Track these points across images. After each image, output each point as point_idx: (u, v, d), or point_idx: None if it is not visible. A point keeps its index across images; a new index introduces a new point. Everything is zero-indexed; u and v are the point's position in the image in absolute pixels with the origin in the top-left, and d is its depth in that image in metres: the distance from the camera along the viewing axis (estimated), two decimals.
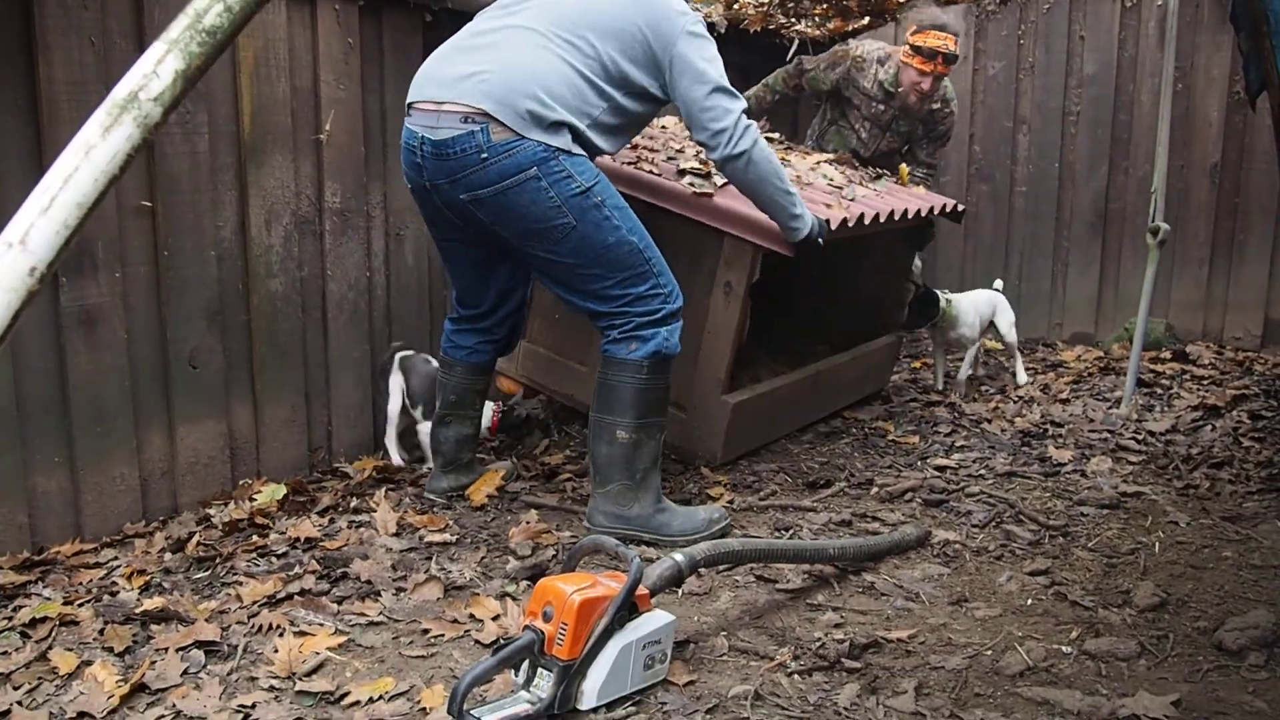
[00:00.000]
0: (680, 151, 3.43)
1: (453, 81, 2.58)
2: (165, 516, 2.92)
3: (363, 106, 3.41)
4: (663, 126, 3.80)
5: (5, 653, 2.13)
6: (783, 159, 3.77)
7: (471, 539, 2.73)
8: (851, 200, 3.40)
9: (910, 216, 3.62)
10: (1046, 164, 5.37)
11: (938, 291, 4.18)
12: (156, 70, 1.28)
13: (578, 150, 2.60)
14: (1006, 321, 4.41)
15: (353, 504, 2.99)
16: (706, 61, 2.68)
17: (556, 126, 2.55)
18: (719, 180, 3.11)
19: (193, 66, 1.29)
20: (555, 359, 3.39)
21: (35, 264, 1.20)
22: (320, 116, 3.28)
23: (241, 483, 3.13)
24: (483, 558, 2.61)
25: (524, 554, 2.61)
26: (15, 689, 2.00)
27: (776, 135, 4.26)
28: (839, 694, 1.98)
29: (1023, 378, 4.43)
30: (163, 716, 1.90)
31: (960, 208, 4.11)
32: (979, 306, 4.32)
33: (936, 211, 3.90)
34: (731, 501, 3.01)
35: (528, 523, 2.78)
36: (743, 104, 2.73)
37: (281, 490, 3.03)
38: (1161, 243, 3.86)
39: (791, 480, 3.23)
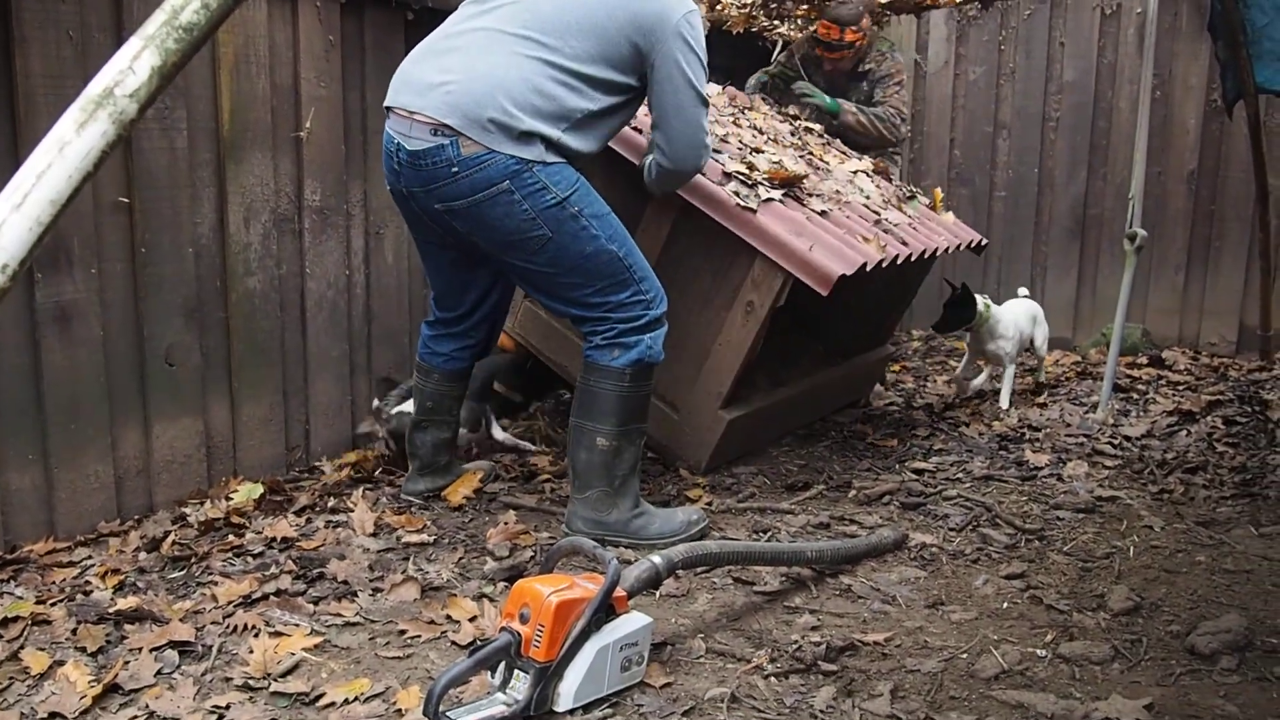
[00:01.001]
0: (725, 141, 3.37)
1: (423, 89, 2.54)
2: (140, 515, 2.90)
3: (343, 104, 3.40)
4: None
5: None
6: (820, 159, 3.77)
7: (449, 540, 2.72)
8: (887, 232, 3.38)
9: (940, 254, 3.62)
10: (1026, 169, 5.41)
11: (977, 295, 4.06)
12: (132, 66, 1.27)
13: (553, 159, 2.54)
14: (1043, 335, 4.37)
15: (330, 504, 2.98)
16: (693, 69, 2.62)
17: (526, 137, 2.48)
18: (764, 194, 3.06)
19: (169, 63, 1.28)
20: (554, 325, 3.35)
21: (7, 261, 1.19)
22: (300, 114, 3.26)
23: (218, 481, 3.11)
24: (460, 558, 2.60)
25: (501, 555, 2.60)
26: None
27: (817, 128, 4.26)
28: (815, 696, 1.98)
29: (1042, 376, 4.50)
30: (136, 717, 1.89)
31: (984, 242, 4.10)
32: (1019, 320, 4.18)
33: (964, 247, 3.89)
34: (710, 503, 3.02)
35: (506, 524, 2.77)
36: (706, 113, 2.73)
37: (258, 489, 3.01)
38: (1139, 249, 3.89)
39: (770, 482, 3.24)
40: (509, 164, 2.48)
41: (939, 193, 4.21)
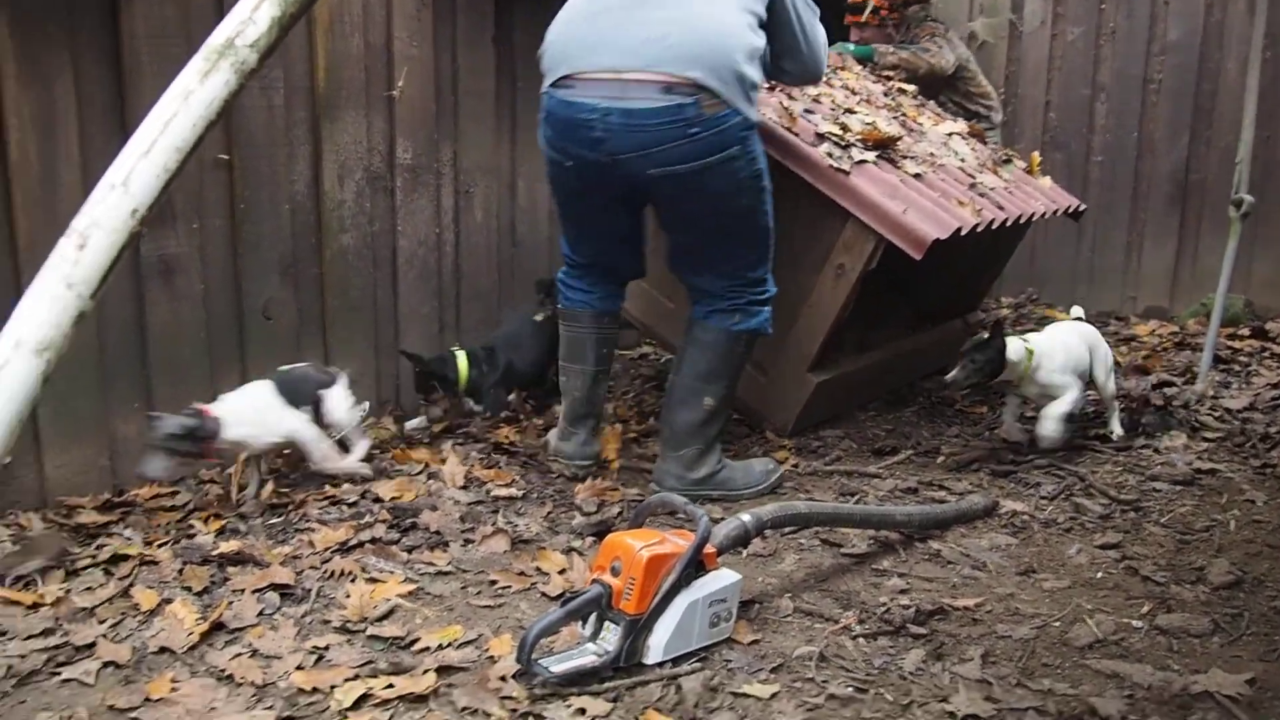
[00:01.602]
0: (817, 101, 3.34)
1: (631, 47, 2.42)
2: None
3: (434, 64, 3.42)
4: None
5: (90, 588, 2.21)
6: (915, 121, 3.71)
7: (538, 494, 2.76)
8: (982, 195, 3.31)
9: (1036, 219, 3.53)
10: (1124, 133, 5.23)
11: (1012, 338, 3.06)
12: (253, 16, 1.29)
13: (757, 119, 2.56)
14: (1104, 367, 3.29)
15: (422, 456, 3.02)
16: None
17: (752, 92, 2.47)
18: (857, 155, 3.02)
19: (287, 14, 1.31)
20: (659, 299, 3.34)
21: (136, 206, 1.23)
22: (393, 73, 3.29)
23: None
24: (549, 513, 2.64)
25: (590, 510, 2.62)
26: (100, 622, 2.07)
27: (910, 89, 4.20)
28: (904, 659, 1.97)
29: (1118, 429, 3.32)
30: (240, 654, 1.96)
31: (1083, 208, 3.98)
32: (1070, 347, 3.17)
33: (1061, 212, 3.79)
34: (796, 466, 3.00)
35: (593, 480, 2.80)
36: None
37: None
38: (1245, 215, 3.74)
39: (857, 446, 3.21)
40: (742, 127, 2.47)
41: (1036, 157, 4.10)
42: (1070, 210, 3.86)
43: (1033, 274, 5.30)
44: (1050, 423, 3.06)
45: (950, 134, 3.78)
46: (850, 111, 3.39)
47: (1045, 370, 3.05)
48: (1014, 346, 3.00)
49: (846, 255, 3.01)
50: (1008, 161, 3.88)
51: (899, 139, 3.29)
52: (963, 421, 3.49)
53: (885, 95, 3.92)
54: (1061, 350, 3.11)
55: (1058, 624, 2.12)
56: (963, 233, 2.95)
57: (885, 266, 3.07)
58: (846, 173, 2.94)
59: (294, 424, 2.72)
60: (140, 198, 1.24)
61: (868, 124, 3.26)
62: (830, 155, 2.97)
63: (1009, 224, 3.29)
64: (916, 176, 3.15)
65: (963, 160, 3.55)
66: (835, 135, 3.07)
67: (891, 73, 4.40)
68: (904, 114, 3.76)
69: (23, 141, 2.55)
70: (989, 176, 3.53)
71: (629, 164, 2.48)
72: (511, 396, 3.39)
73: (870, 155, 3.07)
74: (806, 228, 3.05)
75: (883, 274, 3.17)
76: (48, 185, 2.59)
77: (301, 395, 2.77)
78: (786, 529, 2.48)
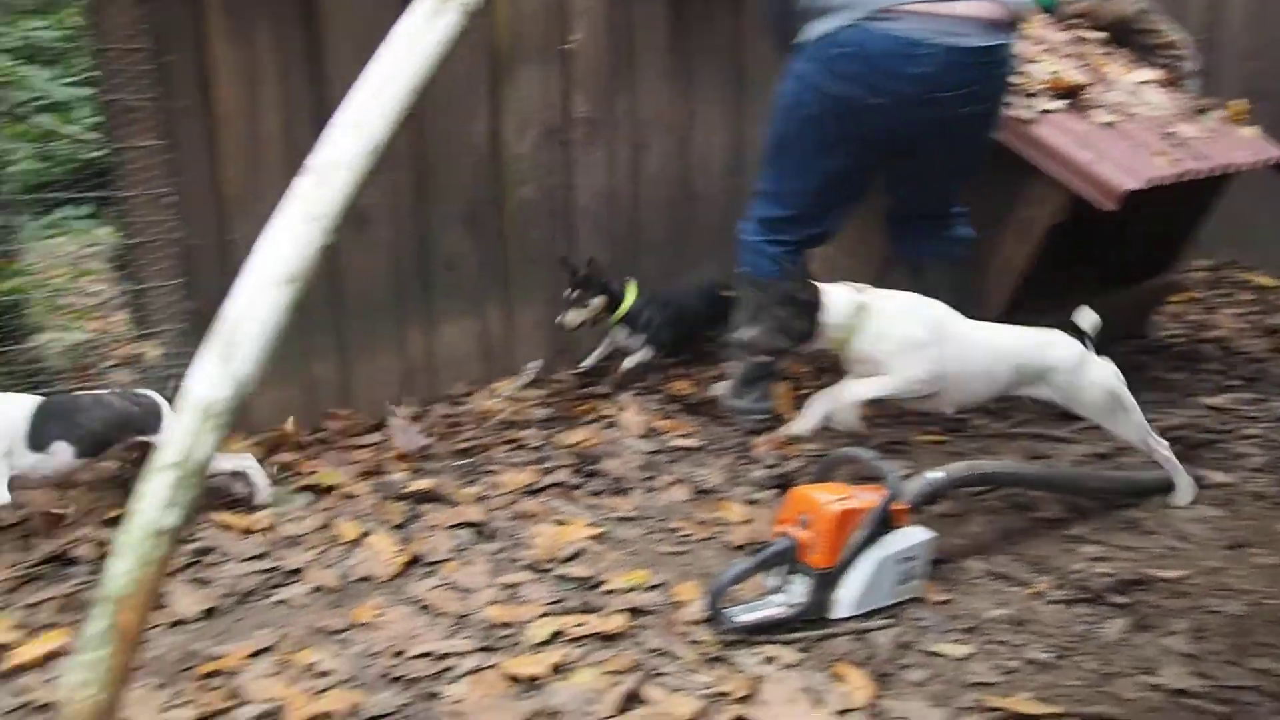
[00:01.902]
0: None
1: None
2: (425, 406, 3.09)
3: (609, 17, 3.41)
4: None
5: (295, 518, 2.33)
6: (1102, 69, 3.52)
7: (716, 446, 2.76)
8: (1179, 145, 3.13)
9: (1238, 171, 3.31)
10: None
11: (838, 288, 2.29)
12: None
13: None
14: (1062, 382, 2.42)
15: (600, 407, 3.06)
16: None
17: None
18: (1042, 105, 2.90)
19: None
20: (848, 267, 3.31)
21: (371, 144, 1.27)
22: (568, 26, 3.31)
23: (495, 379, 3.25)
24: (728, 464, 2.63)
25: (770, 464, 2.61)
26: (307, 550, 2.19)
27: (1097, 36, 3.99)
28: (1105, 628, 1.89)
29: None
30: (438, 586, 2.04)
31: None
32: (936, 323, 2.33)
33: (1269, 165, 3.53)
34: (981, 426, 2.91)
35: (773, 434, 2.78)
36: None
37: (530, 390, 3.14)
38: None
39: (1044, 408, 3.08)
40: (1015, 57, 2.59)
41: (1240, 104, 3.80)
42: (1279, 163, 3.58)
43: (1233, 234, 4.93)
44: (843, 399, 2.25)
45: (1142, 82, 3.56)
46: (1033, 60, 3.23)
47: (873, 343, 2.22)
48: (837, 299, 2.21)
49: (1030, 209, 2.89)
50: (1206, 110, 3.63)
51: (1086, 86, 3.12)
52: (1158, 388, 3.30)
53: (1069, 43, 3.72)
54: (916, 330, 2.24)
55: (1274, 601, 1.99)
56: (1159, 183, 2.78)
57: (1070, 222, 2.92)
58: (1032, 122, 2.81)
59: None
60: (375, 138, 1.29)
61: (1052, 72, 3.11)
62: (1014, 105, 2.85)
63: (1208, 176, 3.08)
64: (1107, 125, 2.99)
65: (1157, 109, 3.34)
66: (1018, 84, 2.94)
67: (1078, 21, 4.15)
68: (1091, 62, 3.56)
69: (229, 95, 2.69)
70: (1186, 125, 3.31)
71: (945, 102, 2.47)
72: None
73: (1056, 104, 2.93)
74: (990, 180, 2.93)
75: (1068, 230, 3.02)
76: (251, 136, 2.73)
77: (61, 429, 2.18)
78: (973, 490, 2.40)
